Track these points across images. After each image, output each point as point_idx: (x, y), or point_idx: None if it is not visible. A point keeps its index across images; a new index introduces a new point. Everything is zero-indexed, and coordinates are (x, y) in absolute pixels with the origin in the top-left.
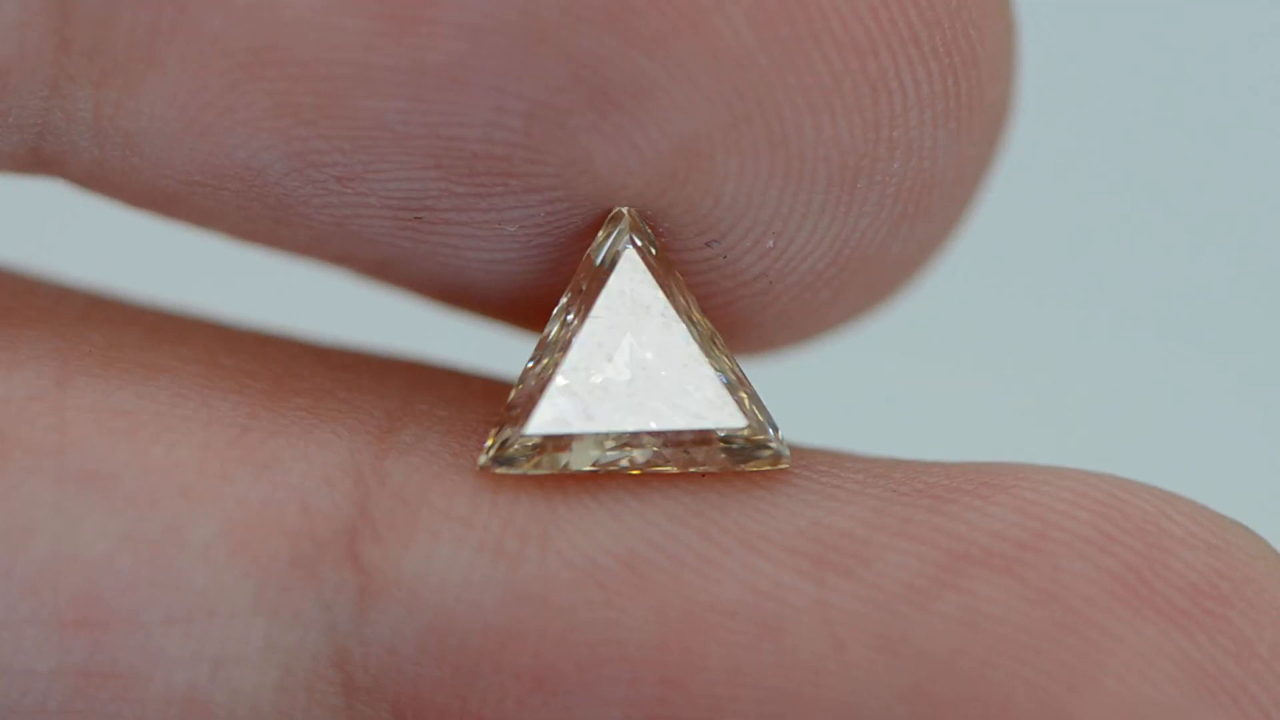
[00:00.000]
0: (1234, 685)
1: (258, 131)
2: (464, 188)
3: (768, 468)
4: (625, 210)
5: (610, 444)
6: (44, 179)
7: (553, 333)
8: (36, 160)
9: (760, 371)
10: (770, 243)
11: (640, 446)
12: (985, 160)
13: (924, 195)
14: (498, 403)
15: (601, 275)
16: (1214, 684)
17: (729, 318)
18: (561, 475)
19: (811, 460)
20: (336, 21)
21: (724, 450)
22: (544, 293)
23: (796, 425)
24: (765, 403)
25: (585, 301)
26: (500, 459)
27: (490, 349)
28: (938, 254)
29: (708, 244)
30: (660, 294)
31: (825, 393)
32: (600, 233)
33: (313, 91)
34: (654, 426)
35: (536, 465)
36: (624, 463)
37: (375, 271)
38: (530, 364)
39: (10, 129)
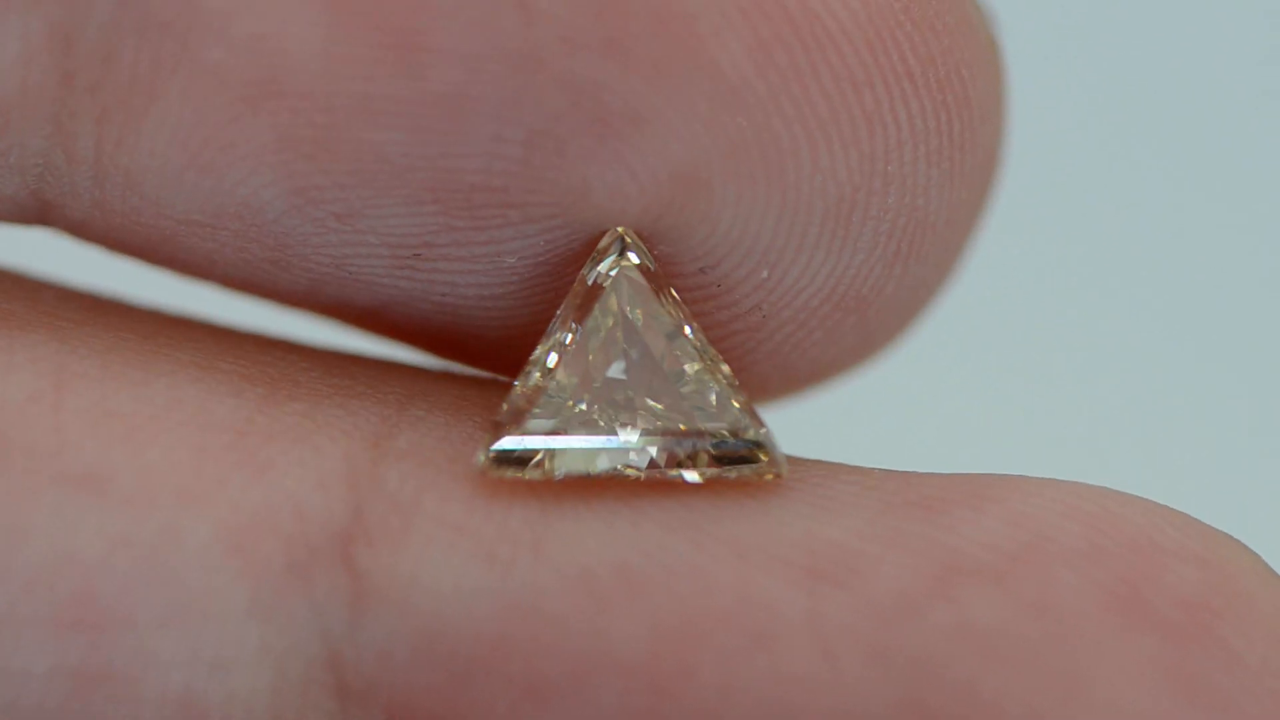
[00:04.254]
0: (1224, 698)
1: (259, 166)
2: (463, 221)
3: (770, 477)
4: (620, 229)
5: (605, 453)
6: (42, 230)
7: (549, 342)
8: (37, 203)
9: None
10: (765, 274)
11: (637, 453)
12: (977, 205)
13: (917, 235)
14: (493, 411)
15: (596, 290)
16: (1204, 696)
17: (723, 356)
18: (557, 483)
19: (805, 471)
20: (336, 52)
21: (722, 459)
22: (539, 329)
23: (789, 437)
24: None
25: (580, 316)
26: (495, 467)
27: None
28: (930, 301)
29: (701, 270)
30: (655, 307)
31: (819, 406)
32: (596, 250)
33: (313, 124)
34: (650, 433)
35: (530, 473)
36: (620, 469)
37: (370, 319)
38: (523, 375)
39: (12, 171)
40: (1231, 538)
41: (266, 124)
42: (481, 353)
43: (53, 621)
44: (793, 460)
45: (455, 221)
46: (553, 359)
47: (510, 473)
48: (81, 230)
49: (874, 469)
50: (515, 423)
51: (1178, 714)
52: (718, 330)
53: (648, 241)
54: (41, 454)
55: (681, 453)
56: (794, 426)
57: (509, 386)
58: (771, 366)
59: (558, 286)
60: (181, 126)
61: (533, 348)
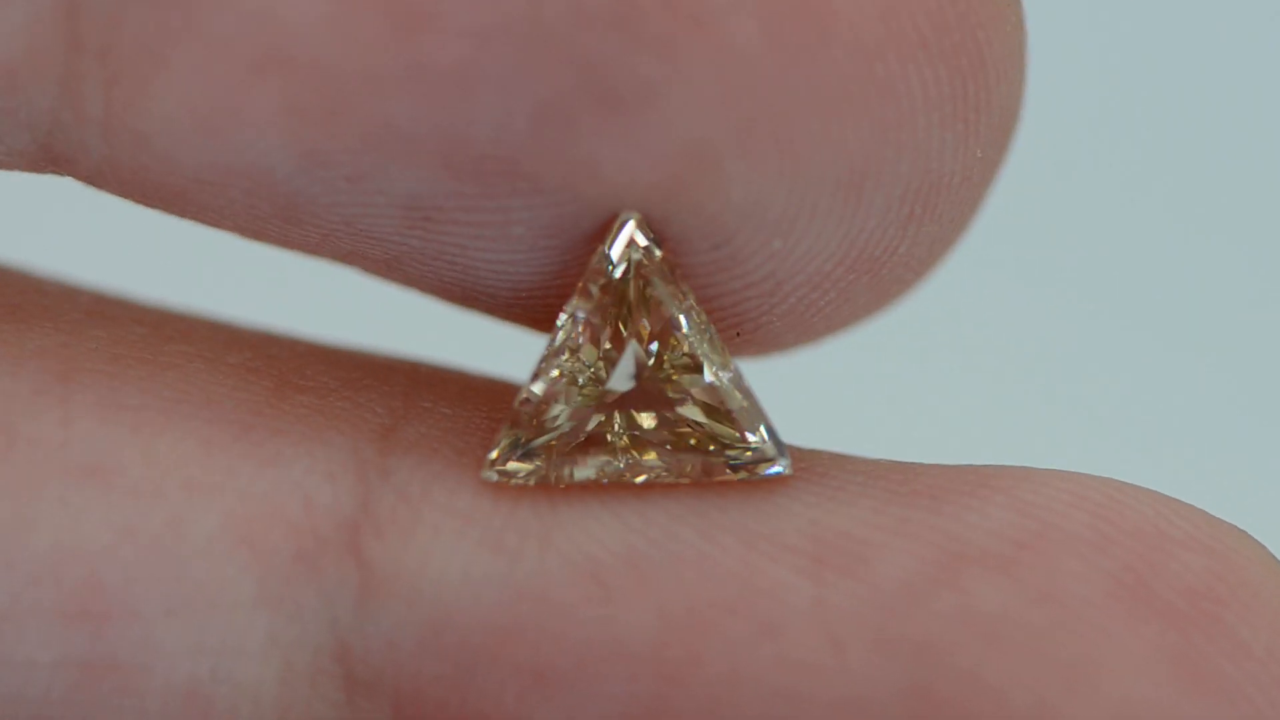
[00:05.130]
0: (1230, 686)
1: (266, 132)
2: (471, 188)
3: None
4: (632, 216)
5: (617, 454)
6: (54, 175)
7: (559, 339)
8: (47, 158)
9: (762, 374)
10: (777, 244)
11: (647, 455)
12: (993, 162)
13: (931, 197)
14: (501, 402)
15: (608, 282)
16: (1210, 684)
17: (736, 318)
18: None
19: (812, 462)
20: (343, 25)
21: (729, 462)
22: (552, 293)
23: (797, 428)
24: (767, 407)
25: (592, 308)
26: (504, 469)
27: (494, 352)
28: (946, 253)
29: (715, 247)
30: (669, 302)
31: (826, 397)
32: (607, 239)
33: (320, 94)
34: (665, 462)
35: (539, 476)
36: (628, 473)
37: (384, 269)
38: (536, 370)
39: (21, 127)
40: (1237, 528)
41: (274, 91)
42: (494, 308)
43: (58, 611)
44: (799, 451)
45: (464, 188)
46: (564, 356)
47: (517, 481)
48: (93, 181)
49: (880, 460)
50: (524, 429)
51: (1183, 701)
52: (730, 298)
53: (658, 220)
54: (48, 445)
55: (694, 474)
56: (800, 419)
57: (516, 389)
58: (785, 325)
59: (568, 259)
60: (190, 92)
61: (545, 308)
